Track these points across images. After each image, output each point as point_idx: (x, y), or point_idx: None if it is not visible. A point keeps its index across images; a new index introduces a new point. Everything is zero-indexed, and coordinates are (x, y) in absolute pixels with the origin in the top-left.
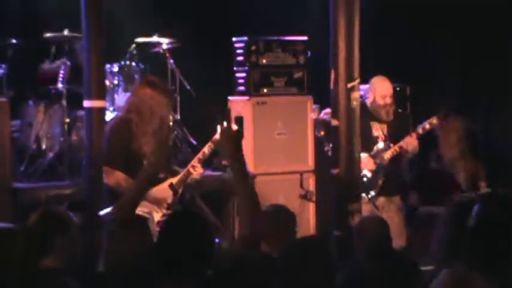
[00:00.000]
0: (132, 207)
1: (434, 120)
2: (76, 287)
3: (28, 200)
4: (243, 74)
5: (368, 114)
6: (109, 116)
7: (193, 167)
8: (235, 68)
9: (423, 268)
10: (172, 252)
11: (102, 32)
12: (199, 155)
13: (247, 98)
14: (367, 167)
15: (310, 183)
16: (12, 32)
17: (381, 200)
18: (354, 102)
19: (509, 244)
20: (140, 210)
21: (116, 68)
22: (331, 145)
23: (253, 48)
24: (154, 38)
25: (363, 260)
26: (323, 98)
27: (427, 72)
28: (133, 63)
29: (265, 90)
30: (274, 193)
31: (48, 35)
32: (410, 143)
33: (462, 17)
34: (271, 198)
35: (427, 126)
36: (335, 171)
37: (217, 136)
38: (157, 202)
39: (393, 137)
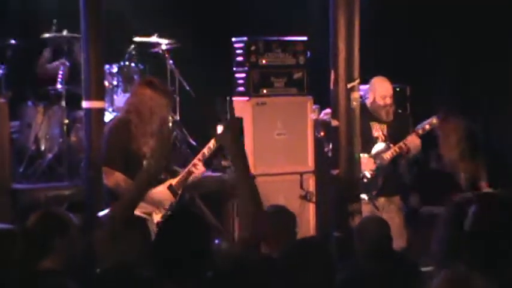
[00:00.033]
0: (131, 208)
1: (434, 121)
2: None
3: (27, 201)
4: (243, 75)
5: (368, 114)
6: (108, 116)
7: (195, 165)
8: (234, 69)
9: (423, 269)
10: (170, 252)
11: (101, 32)
12: (202, 153)
13: (246, 98)
14: (367, 167)
15: (310, 184)
16: (12, 32)
17: (381, 200)
18: (354, 103)
19: (509, 244)
20: (140, 211)
21: (115, 69)
22: (331, 146)
23: (252, 48)
24: (154, 38)
25: (363, 260)
26: (323, 99)
27: (427, 72)
28: (133, 64)
29: (264, 91)
30: (274, 194)
31: (47, 35)
32: (413, 141)
33: (462, 17)
34: (271, 199)
35: (427, 126)
36: (335, 171)
37: (219, 131)
38: (156, 204)
39: (393, 137)
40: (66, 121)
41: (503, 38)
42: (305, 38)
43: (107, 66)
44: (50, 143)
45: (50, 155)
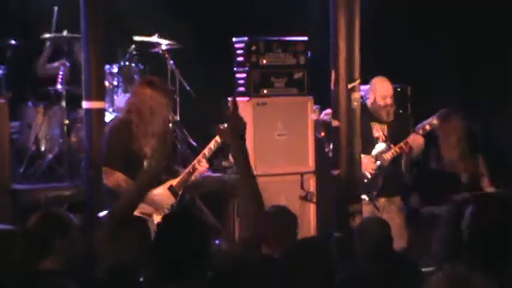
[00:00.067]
0: (131, 208)
1: (434, 121)
2: None
3: (27, 202)
4: (243, 75)
5: (368, 114)
6: (108, 117)
7: (199, 161)
8: (235, 69)
9: (424, 269)
10: (170, 252)
11: (101, 32)
12: (208, 148)
13: (247, 98)
14: (367, 167)
15: (311, 184)
16: (12, 32)
17: (382, 200)
18: (355, 103)
19: (508, 244)
20: (140, 212)
21: (115, 69)
22: (331, 146)
23: (253, 48)
24: (154, 38)
25: (364, 261)
26: (323, 99)
27: (427, 72)
28: (133, 64)
29: (265, 91)
30: (274, 194)
31: (47, 35)
32: (416, 140)
33: (462, 17)
34: (272, 199)
35: (427, 126)
36: (336, 172)
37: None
38: (156, 205)
39: (394, 137)
40: (67, 121)
41: (503, 38)
42: (305, 38)
43: (107, 67)
44: (50, 144)
45: (50, 156)
